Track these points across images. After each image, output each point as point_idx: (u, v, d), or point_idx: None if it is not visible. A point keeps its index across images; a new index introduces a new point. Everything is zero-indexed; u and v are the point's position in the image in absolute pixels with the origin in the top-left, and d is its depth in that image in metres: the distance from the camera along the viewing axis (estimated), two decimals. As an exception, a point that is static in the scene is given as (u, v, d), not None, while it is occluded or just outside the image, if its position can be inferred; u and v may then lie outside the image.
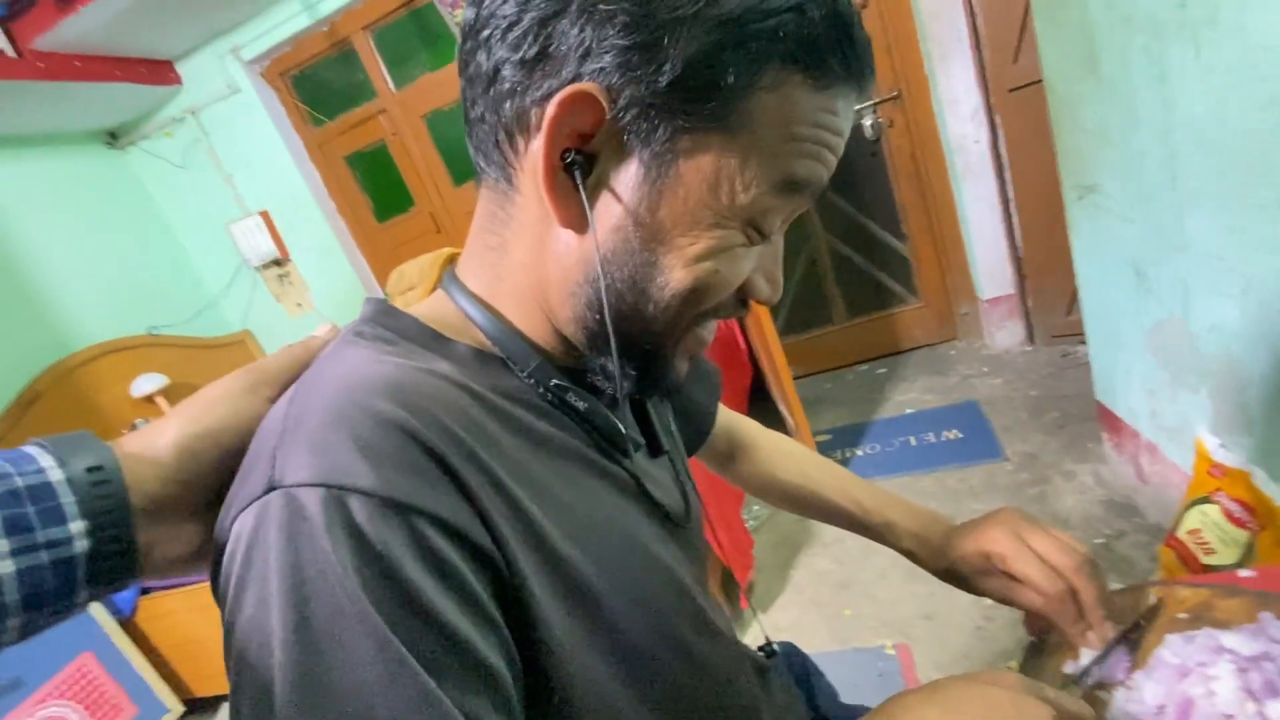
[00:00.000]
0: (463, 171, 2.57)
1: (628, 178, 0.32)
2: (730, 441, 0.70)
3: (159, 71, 2.44)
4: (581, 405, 0.38)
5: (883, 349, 2.58)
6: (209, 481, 0.33)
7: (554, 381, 0.38)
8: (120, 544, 0.30)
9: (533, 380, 0.37)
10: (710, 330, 0.40)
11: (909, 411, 2.16)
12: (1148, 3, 0.92)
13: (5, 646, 0.28)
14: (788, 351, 2.65)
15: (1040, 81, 1.53)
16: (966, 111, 2.05)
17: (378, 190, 2.72)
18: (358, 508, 0.27)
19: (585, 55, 0.30)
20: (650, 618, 0.38)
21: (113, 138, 2.64)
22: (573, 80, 0.30)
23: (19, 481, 0.28)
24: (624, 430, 0.41)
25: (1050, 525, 0.51)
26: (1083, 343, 2.00)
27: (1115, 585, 0.51)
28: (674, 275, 0.34)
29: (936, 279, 2.43)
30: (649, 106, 0.30)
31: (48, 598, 0.28)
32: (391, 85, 2.50)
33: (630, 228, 0.33)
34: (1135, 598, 0.50)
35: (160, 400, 2.38)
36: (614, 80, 0.30)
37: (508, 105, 0.33)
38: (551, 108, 0.30)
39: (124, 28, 2.12)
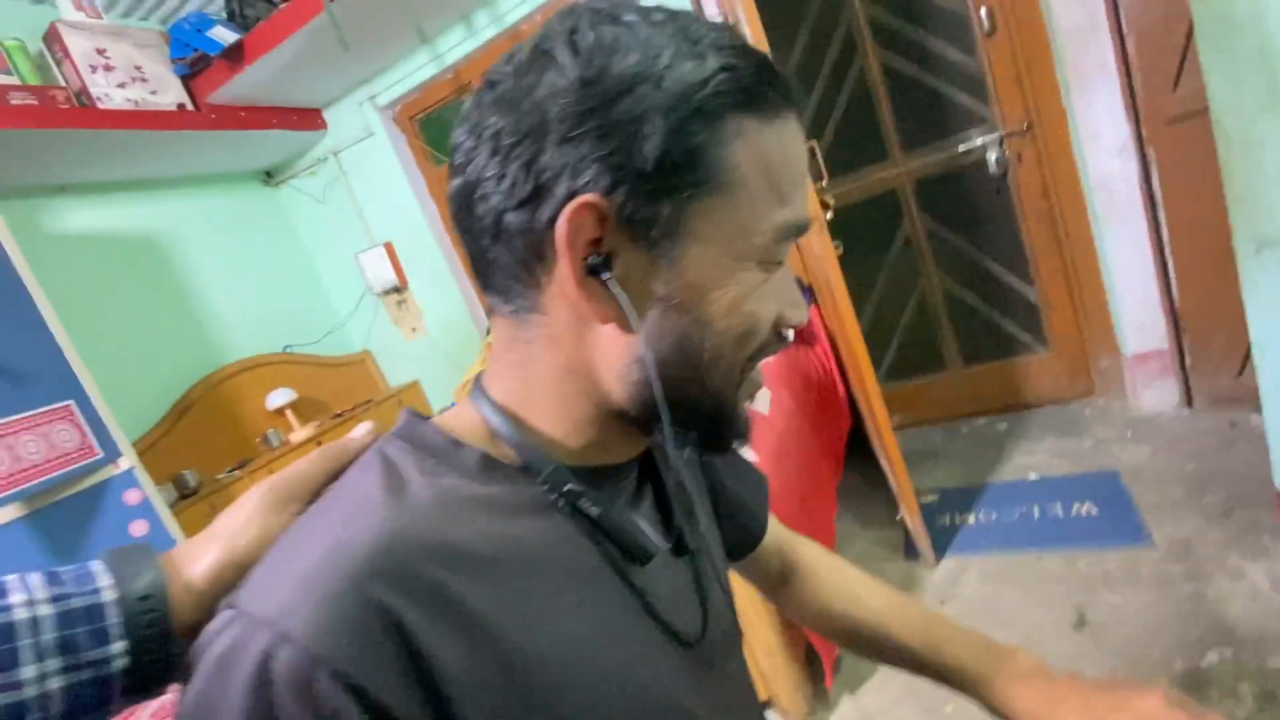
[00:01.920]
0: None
1: (646, 260, 0.35)
2: (784, 563, 0.63)
3: (308, 118, 2.72)
4: (594, 511, 0.38)
5: (1003, 402, 2.34)
6: None
7: (567, 487, 0.38)
8: (157, 664, 0.32)
9: (546, 485, 0.38)
10: (759, 374, 0.42)
11: (1033, 476, 1.93)
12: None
13: None
14: (892, 398, 2.48)
15: (1206, 111, 1.34)
16: (1111, 145, 1.83)
17: (488, 224, 2.86)
18: (284, 654, 0.27)
19: (574, 175, 0.33)
20: None
21: (268, 176, 2.98)
22: (570, 197, 0.33)
23: (76, 602, 0.30)
24: (638, 538, 0.40)
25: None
26: (1256, 411, 1.71)
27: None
28: (718, 327, 0.36)
29: (1070, 328, 2.18)
30: (643, 195, 0.33)
31: (85, 709, 0.30)
32: (505, 126, 2.63)
33: (666, 301, 0.36)
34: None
35: (289, 414, 2.61)
36: (605, 184, 0.33)
37: (518, 242, 0.35)
38: (561, 225, 0.33)
39: (281, 82, 2.39)
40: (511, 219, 0.35)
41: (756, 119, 0.35)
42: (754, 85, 0.34)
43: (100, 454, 1.71)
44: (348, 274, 3.02)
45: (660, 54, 0.33)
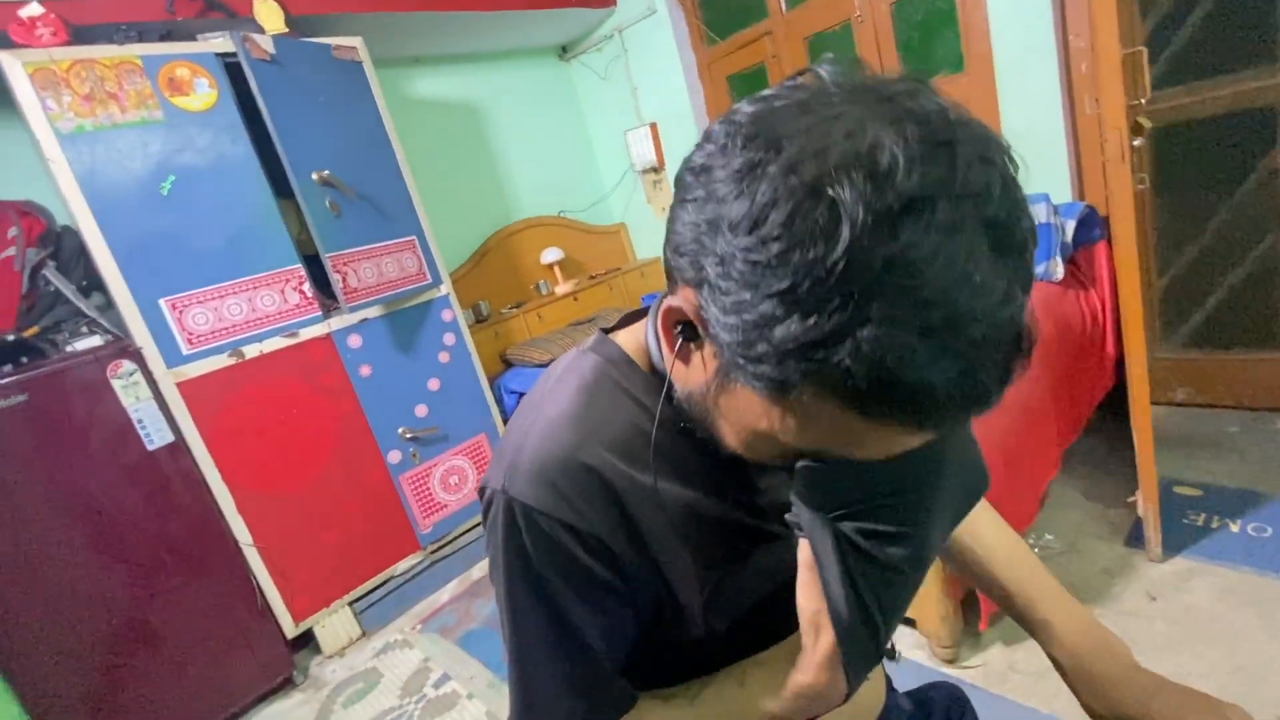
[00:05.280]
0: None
1: (709, 355, 0.39)
2: None
3: (602, -4, 2.91)
4: (705, 436, 0.44)
5: (1354, 403, 1.81)
6: None
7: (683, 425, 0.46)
8: None
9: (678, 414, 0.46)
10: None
11: (1352, 502, 1.53)
12: None
13: None
14: (1187, 368, 2.09)
15: None
16: None
17: (749, 111, 2.85)
18: (521, 514, 0.44)
19: (688, 280, 0.36)
20: (738, 616, 0.49)
21: (563, 51, 3.29)
22: (681, 288, 0.38)
23: None
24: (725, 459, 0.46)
25: None
26: None
27: None
28: (726, 436, 0.41)
29: None
30: (719, 337, 0.35)
31: None
32: (784, 5, 2.52)
33: (703, 386, 0.40)
34: None
35: (557, 269, 3.09)
36: (700, 303, 0.36)
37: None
38: (661, 308, 0.41)
39: (583, -39, 2.57)
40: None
41: (850, 408, 0.32)
42: (860, 394, 0.30)
43: (429, 280, 2.28)
44: (616, 150, 3.30)
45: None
